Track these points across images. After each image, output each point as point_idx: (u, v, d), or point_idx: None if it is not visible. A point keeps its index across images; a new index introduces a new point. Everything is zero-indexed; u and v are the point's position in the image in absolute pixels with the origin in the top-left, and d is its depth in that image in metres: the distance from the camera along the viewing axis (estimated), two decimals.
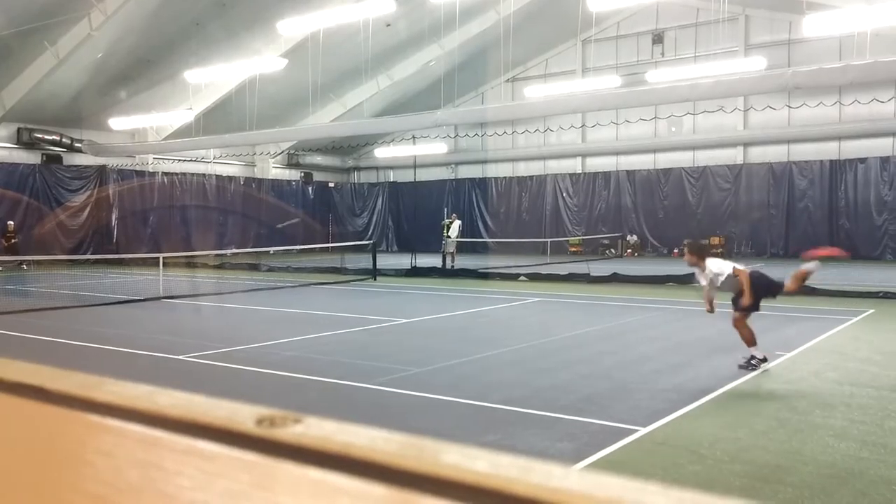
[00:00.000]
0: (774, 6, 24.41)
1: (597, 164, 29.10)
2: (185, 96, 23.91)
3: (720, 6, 21.40)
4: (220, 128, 24.87)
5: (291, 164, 32.56)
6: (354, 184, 35.56)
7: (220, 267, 22.95)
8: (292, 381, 7.23)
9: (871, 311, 11.75)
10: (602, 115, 26.09)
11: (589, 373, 7.49)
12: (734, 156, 26.30)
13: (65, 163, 25.79)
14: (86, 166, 26.08)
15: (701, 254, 7.51)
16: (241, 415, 0.47)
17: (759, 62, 20.16)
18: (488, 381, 7.18)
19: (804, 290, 14.05)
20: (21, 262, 21.80)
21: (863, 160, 24.01)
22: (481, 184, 31.40)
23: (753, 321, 7.54)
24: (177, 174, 28.47)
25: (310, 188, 33.53)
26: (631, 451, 5.02)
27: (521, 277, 18.09)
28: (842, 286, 14.16)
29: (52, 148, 25.28)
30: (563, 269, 19.16)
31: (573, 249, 28.10)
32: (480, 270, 19.42)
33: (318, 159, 33.15)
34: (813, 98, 23.07)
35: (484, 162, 30.96)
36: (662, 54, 26.73)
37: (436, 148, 30.56)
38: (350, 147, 32.97)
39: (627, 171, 28.18)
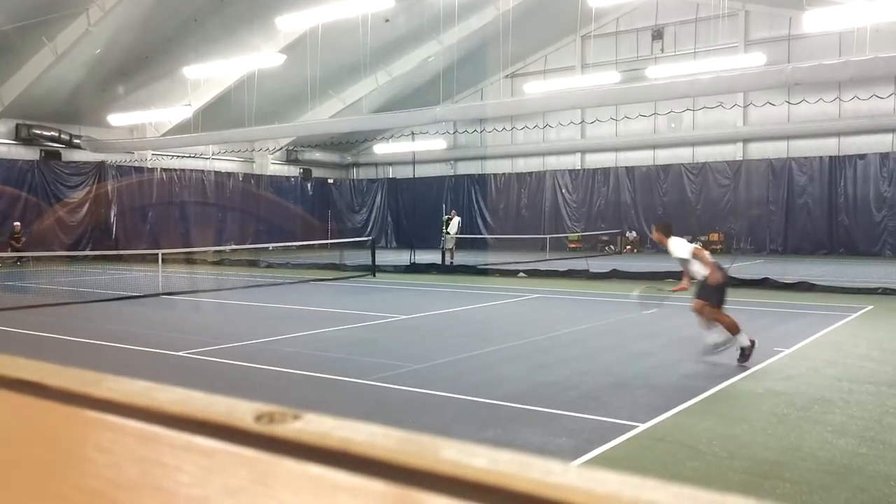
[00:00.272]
0: (774, 2, 24.38)
1: (596, 160, 29.08)
2: (183, 92, 23.88)
3: (720, 1, 21.38)
4: (218, 124, 24.85)
5: (290, 160, 32.54)
6: (353, 180, 35.53)
7: (218, 263, 22.95)
8: (291, 378, 7.23)
9: (870, 307, 11.75)
10: (601, 111, 26.07)
11: (588, 369, 7.50)
12: (733, 152, 26.29)
13: (63, 159, 25.76)
14: (84, 162, 26.05)
15: (666, 233, 7.91)
16: (240, 411, 0.47)
17: (759, 58, 20.12)
18: (487, 377, 7.19)
19: (804, 286, 14.10)
20: (18, 259, 21.79)
21: (862, 156, 24.01)
22: (480, 180, 31.39)
23: (755, 318, 7.55)
24: (175, 170, 28.45)
25: (309, 184, 33.51)
26: (630, 447, 5.03)
27: (520, 274, 18.10)
28: (840, 282, 14.17)
29: (50, 144, 25.26)
30: (562, 266, 19.17)
31: (572, 246, 28.11)
32: (479, 267, 19.42)
33: (317, 155, 33.13)
34: (812, 94, 23.07)
35: (483, 158, 30.94)
36: (662, 50, 26.71)
37: (435, 144, 30.53)
38: (349, 143, 32.94)
39: (627, 168, 28.17)
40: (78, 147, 25.59)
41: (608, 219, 28.32)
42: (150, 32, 21.37)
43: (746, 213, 25.75)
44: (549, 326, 10.32)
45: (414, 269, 19.62)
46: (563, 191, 29.64)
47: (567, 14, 24.37)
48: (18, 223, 23.01)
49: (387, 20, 22.09)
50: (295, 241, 26.97)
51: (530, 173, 30.32)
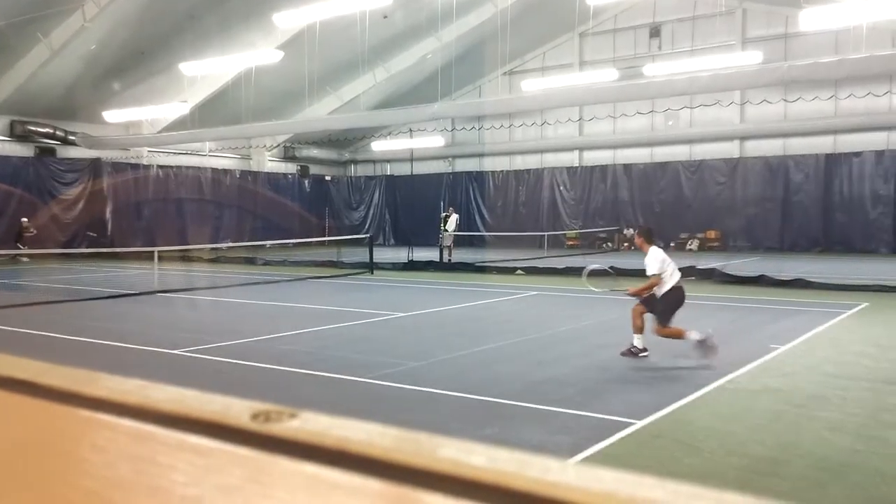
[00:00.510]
0: (770, 0, 24.38)
1: (594, 157, 29.09)
2: (180, 89, 23.82)
3: None
4: (215, 120, 24.81)
5: (287, 157, 32.49)
6: (351, 177, 35.50)
7: (215, 261, 22.92)
8: (289, 376, 7.23)
9: (866, 304, 11.78)
10: (599, 108, 26.06)
11: (586, 366, 7.51)
12: (731, 149, 26.31)
13: (58, 155, 25.69)
14: (79, 159, 25.98)
15: (647, 238, 8.03)
16: (236, 409, 0.47)
17: (756, 56, 20.12)
18: (486, 374, 7.19)
19: (800, 283, 14.12)
20: (16, 256, 21.75)
21: (858, 154, 24.04)
22: (478, 177, 31.38)
23: (751, 315, 7.56)
24: (172, 167, 28.39)
25: (306, 181, 33.47)
26: (627, 444, 5.04)
27: (519, 271, 18.11)
28: (836, 280, 14.20)
29: (45, 141, 25.18)
30: (560, 263, 19.18)
31: (570, 243, 28.13)
32: (477, 264, 19.42)
33: (315, 152, 33.09)
34: (809, 92, 23.08)
35: (481, 155, 30.93)
36: (660, 48, 26.72)
37: (433, 141, 30.51)
38: (347, 140, 32.90)
39: (624, 165, 28.19)
40: (73, 144, 25.52)
41: (606, 216, 28.34)
42: (145, 28, 21.30)
43: (743, 210, 25.78)
44: (547, 323, 10.33)
45: (412, 266, 19.61)
46: (561, 188, 29.65)
47: (565, 11, 24.35)
48: (26, 219, 23.05)
49: (385, 17, 22.05)
50: (292, 238, 26.92)
51: (528, 170, 30.32)
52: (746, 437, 5.18)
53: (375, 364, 7.57)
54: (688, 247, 25.71)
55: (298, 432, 0.42)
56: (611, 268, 10.04)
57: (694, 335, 7.44)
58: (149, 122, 25.94)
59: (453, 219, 22.33)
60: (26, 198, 24.16)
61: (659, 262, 7.75)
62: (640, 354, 7.70)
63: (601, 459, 4.70)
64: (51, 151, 25.48)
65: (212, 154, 29.95)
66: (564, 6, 23.97)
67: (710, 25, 25.66)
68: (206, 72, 22.43)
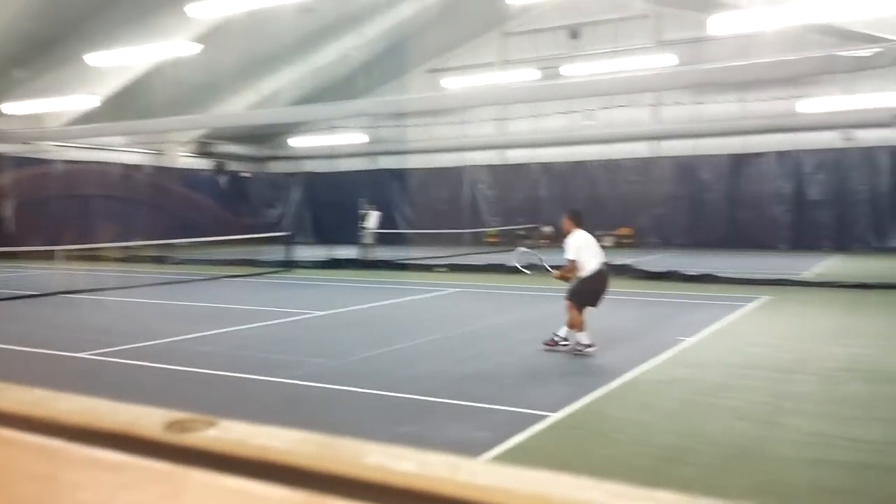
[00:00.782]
0: (684, 4, 25.28)
1: (514, 156, 29.49)
2: (89, 80, 22.72)
3: (633, 3, 22.02)
4: (127, 114, 23.78)
5: (203, 152, 31.53)
6: (270, 174, 34.78)
7: (125, 260, 22.03)
8: (205, 379, 7.02)
9: (768, 297, 12.40)
10: (520, 107, 26.44)
11: (505, 361, 7.61)
12: (644, 149, 27.17)
13: None
14: None
15: (576, 222, 8.10)
16: (149, 419, 0.44)
17: (671, 59, 20.87)
18: (406, 371, 7.18)
19: (707, 278, 14.74)
20: None
21: (762, 155, 25.27)
22: (401, 175, 31.31)
23: (661, 309, 7.82)
24: (79, 162, 27.09)
25: (222, 178, 32.57)
26: (544, 436, 5.13)
27: (440, 268, 18.18)
28: (740, 274, 14.89)
29: None
30: (480, 260, 19.37)
31: (490, 240, 28.43)
32: (399, 261, 19.39)
33: (232, 148, 32.23)
34: (719, 95, 24.09)
35: (403, 153, 30.85)
36: (579, 49, 27.29)
37: (355, 138, 30.23)
38: (265, 136, 32.19)
39: (543, 164, 28.69)
40: None
41: (525, 214, 28.78)
42: (51, 16, 20.22)
43: (655, 208, 26.68)
44: (467, 320, 10.41)
45: (333, 264, 19.39)
46: (482, 186, 29.94)
47: (488, 11, 24.58)
48: None
49: (306, 10, 21.68)
50: (207, 236, 26.16)
51: (450, 168, 30.46)
52: (657, 427, 5.37)
53: (295, 364, 7.44)
54: (603, 244, 26.40)
55: (216, 442, 0.40)
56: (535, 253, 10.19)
57: (584, 339, 7.64)
58: (55, 114, 24.63)
59: (374, 216, 22.19)
60: None
61: (574, 249, 7.93)
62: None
63: (519, 452, 4.77)
64: None
65: (122, 149, 28.74)
66: (486, 5, 24.21)
67: (628, 28, 26.42)
68: (117, 63, 21.49)
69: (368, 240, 21.63)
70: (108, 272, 18.31)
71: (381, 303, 12.49)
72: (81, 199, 26.75)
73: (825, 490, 4.18)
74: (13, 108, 22.99)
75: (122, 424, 0.44)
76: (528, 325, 9.93)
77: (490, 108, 27.55)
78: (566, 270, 8.01)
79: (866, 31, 17.60)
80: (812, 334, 9.08)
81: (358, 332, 9.59)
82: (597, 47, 26.64)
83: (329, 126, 30.26)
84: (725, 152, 25.77)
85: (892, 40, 14.91)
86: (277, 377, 6.87)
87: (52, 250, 16.04)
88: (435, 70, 29.67)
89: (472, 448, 4.75)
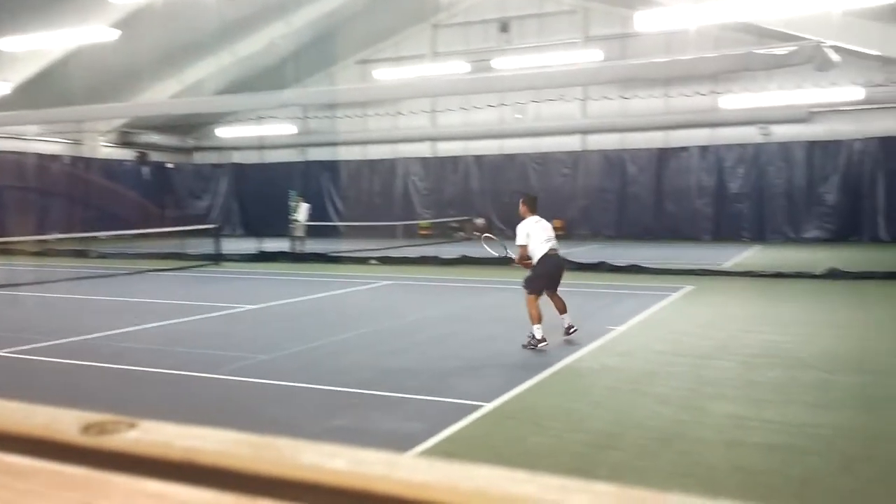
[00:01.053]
0: (612, 0, 25.79)
1: (446, 148, 29.55)
2: (0, 66, 21.59)
3: None
4: (42, 101, 22.66)
5: (124, 142, 30.39)
6: (196, 164, 33.84)
7: (41, 254, 21.05)
8: (130, 376, 6.79)
9: (691, 287, 12.83)
10: (451, 100, 26.46)
11: (438, 353, 7.63)
12: (574, 143, 27.65)
13: None
14: None
15: (531, 207, 8.17)
16: (64, 421, 0.42)
17: (597, 54, 21.27)
18: (338, 365, 7.12)
19: (634, 269, 15.14)
20: None
21: (685, 149, 26.07)
22: (332, 167, 30.95)
23: (591, 300, 7.99)
24: None
25: (145, 169, 31.48)
26: (478, 426, 5.18)
27: (372, 261, 18.07)
28: (666, 265, 15.36)
29: None
30: (413, 252, 19.35)
31: (423, 233, 28.44)
32: (330, 254, 19.18)
33: (155, 138, 31.16)
34: (644, 90, 24.69)
35: (334, 144, 30.49)
36: (509, 42, 27.51)
37: (284, 129, 29.70)
38: (190, 126, 31.26)
39: (476, 156, 28.85)
40: None
41: (458, 206, 28.91)
42: None
43: (584, 200, 27.21)
44: (400, 312, 10.39)
45: (262, 257, 19.03)
46: (414, 178, 29.90)
47: (417, 2, 24.48)
48: None
49: None
50: (130, 229, 25.23)
51: (382, 160, 30.30)
52: (587, 414, 5.50)
53: (225, 359, 7.28)
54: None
55: (138, 445, 0.38)
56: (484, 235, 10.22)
57: (538, 333, 7.73)
58: None
59: (304, 208, 21.87)
60: None
61: (523, 235, 8.03)
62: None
63: (455, 442, 4.80)
64: None
65: (38, 138, 27.41)
66: None
67: (556, 23, 26.79)
68: (30, 48, 20.45)
69: (299, 232, 21.31)
70: (23, 267, 17.47)
71: (312, 296, 12.34)
72: None
73: (742, 470, 4.36)
74: None
75: (35, 427, 0.41)
76: (460, 317, 9.99)
77: (422, 101, 27.50)
78: (520, 257, 8.09)
79: (783, 30, 18.37)
80: (733, 322, 9.45)
81: (290, 326, 9.45)
82: (526, 41, 26.92)
83: (257, 116, 29.63)
84: (651, 146, 26.47)
85: (807, 39, 15.60)
86: (208, 373, 6.71)
87: None
88: (365, 61, 29.41)
89: (407, 439, 4.75)
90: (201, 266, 17.76)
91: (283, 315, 10.37)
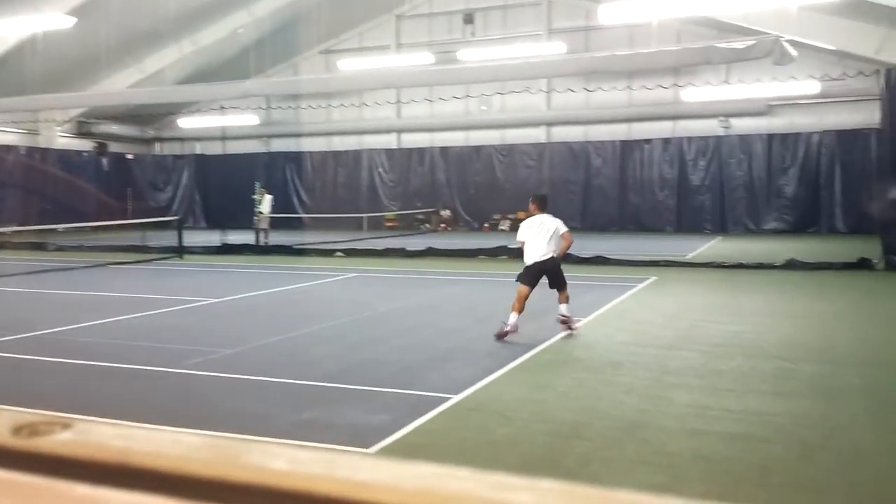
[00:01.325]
0: None
1: (412, 139, 29.45)
2: None
3: None
4: None
5: (82, 132, 29.69)
6: (157, 155, 33.22)
7: None
8: (86, 371, 6.65)
9: (655, 278, 13.00)
10: (417, 91, 26.35)
11: (405, 345, 7.62)
12: (539, 135, 27.76)
13: None
14: None
15: (540, 206, 8.24)
16: None
17: (561, 47, 21.33)
18: (305, 358, 7.07)
19: (599, 260, 15.27)
20: None
21: (648, 141, 26.36)
22: (296, 158, 30.64)
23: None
24: None
25: (104, 160, 30.81)
26: (445, 418, 5.19)
27: (338, 253, 17.96)
28: (630, 256, 15.53)
29: None
30: (379, 244, 19.27)
31: (389, 224, 28.34)
32: (295, 246, 19.01)
33: (114, 128, 30.50)
34: (607, 83, 24.86)
35: (298, 135, 30.18)
36: (473, 34, 27.48)
37: (247, 119, 29.29)
38: (151, 116, 30.66)
39: (441, 148, 28.81)
40: None
41: (423, 198, 28.86)
42: None
43: (550, 192, 27.34)
44: (366, 305, 10.34)
45: (226, 249, 18.79)
46: (380, 169, 29.76)
47: None
48: None
49: None
50: (89, 221, 24.68)
51: (347, 152, 30.09)
52: (553, 405, 5.54)
53: (187, 353, 7.17)
54: (500, 227, 26.88)
55: (71, 446, 0.37)
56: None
57: (512, 319, 7.74)
58: None
59: (268, 200, 21.62)
60: None
61: (522, 232, 8.07)
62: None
63: (422, 435, 4.80)
64: None
65: None
66: None
67: (519, 15, 26.82)
68: None
69: (263, 224, 21.07)
70: None
71: (277, 289, 12.22)
72: None
73: (703, 458, 4.44)
74: None
75: None
76: (426, 309, 9.99)
77: (387, 92, 27.34)
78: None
79: (742, 24, 18.65)
80: (695, 312, 9.60)
81: (254, 319, 9.35)
82: (490, 33, 26.93)
83: (220, 107, 29.16)
84: (615, 138, 26.70)
85: (766, 33, 15.86)
86: (171, 367, 6.61)
87: None
88: (329, 51, 29.14)
89: (374, 433, 4.74)
90: (163, 259, 17.47)
91: (247, 308, 10.25)
